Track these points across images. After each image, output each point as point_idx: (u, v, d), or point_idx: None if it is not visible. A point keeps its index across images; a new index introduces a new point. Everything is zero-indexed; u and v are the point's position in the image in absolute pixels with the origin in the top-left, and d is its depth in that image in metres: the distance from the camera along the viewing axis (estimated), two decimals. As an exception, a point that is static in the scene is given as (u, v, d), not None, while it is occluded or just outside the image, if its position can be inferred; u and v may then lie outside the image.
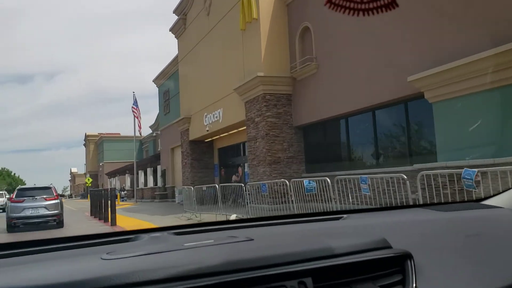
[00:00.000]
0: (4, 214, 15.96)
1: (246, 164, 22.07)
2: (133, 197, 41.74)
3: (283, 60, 17.09)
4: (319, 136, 16.40)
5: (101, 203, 18.94)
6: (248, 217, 10.82)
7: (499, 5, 9.47)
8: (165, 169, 34.83)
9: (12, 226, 15.06)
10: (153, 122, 50.00)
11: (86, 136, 79.75)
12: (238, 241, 1.30)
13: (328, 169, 15.02)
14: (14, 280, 1.02)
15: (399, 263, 1.27)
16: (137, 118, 36.62)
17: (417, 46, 11.27)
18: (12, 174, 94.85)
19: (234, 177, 20.94)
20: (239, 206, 13.66)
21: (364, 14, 1.20)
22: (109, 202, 16.34)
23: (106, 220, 16.98)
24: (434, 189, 7.86)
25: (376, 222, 1.71)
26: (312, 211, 9.80)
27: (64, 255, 1.28)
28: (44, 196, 15.62)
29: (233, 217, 11.85)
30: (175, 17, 26.98)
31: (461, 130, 10.24)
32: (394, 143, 13.11)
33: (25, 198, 15.40)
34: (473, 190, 6.64)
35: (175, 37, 27.72)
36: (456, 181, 7.56)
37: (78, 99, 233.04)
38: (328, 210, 8.77)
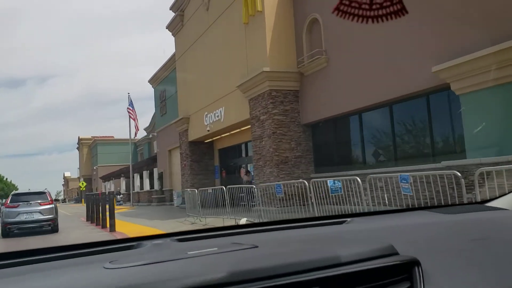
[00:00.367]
0: None
1: (249, 165, 21.20)
2: (129, 200, 40.76)
3: (290, 54, 16.21)
4: (329, 134, 15.52)
5: (98, 208, 17.98)
6: (261, 221, 9.92)
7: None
8: (162, 172, 33.85)
9: (6, 231, 14.97)
10: (147, 124, 49.03)
11: (80, 139, 78.50)
12: (242, 249, 1.27)
13: (340, 169, 14.16)
14: None
15: (407, 270, 1.23)
16: (134, 119, 35.57)
17: (443, 34, 10.42)
18: (4, 179, 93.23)
19: (245, 177, 19.89)
20: (249, 210, 12.72)
21: (373, 21, 1.19)
22: (108, 206, 15.36)
23: (104, 226, 16.03)
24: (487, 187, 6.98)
25: (380, 226, 1.69)
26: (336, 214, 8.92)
27: (66, 264, 1.26)
28: (39, 201, 15.55)
29: (243, 221, 10.96)
30: (170, 19, 26.07)
31: (493, 124, 9.41)
32: (414, 139, 12.24)
33: (20, 203, 15.31)
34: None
35: (172, 34, 26.76)
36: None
37: (71, 103, 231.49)
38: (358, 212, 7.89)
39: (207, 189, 14.83)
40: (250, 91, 16.88)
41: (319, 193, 9.46)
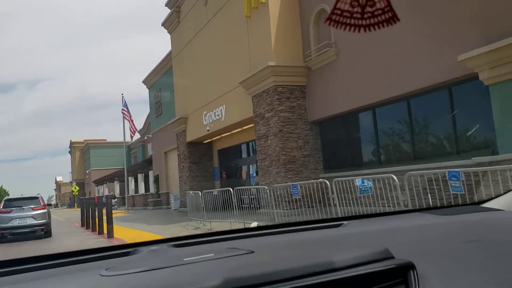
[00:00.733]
0: None
1: (251, 166, 20.34)
2: (124, 204, 39.72)
3: (296, 48, 15.38)
4: (339, 131, 14.69)
5: (94, 213, 17.03)
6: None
7: None
8: (158, 175, 32.87)
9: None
10: (141, 127, 47.99)
11: (72, 143, 77.14)
12: (238, 255, 1.28)
13: (352, 168, 13.35)
14: None
15: (402, 274, 1.21)
16: (129, 120, 34.47)
17: (470, 18, 9.62)
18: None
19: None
20: (260, 213, 11.81)
21: (365, 30, 1.20)
22: (105, 211, 14.41)
23: (101, 232, 15.09)
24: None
25: (376, 229, 1.68)
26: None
27: (62, 272, 1.24)
28: (32, 206, 15.59)
29: (253, 225, 10.08)
30: (165, 16, 25.19)
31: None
32: (436, 135, 11.43)
33: (13, 208, 15.38)
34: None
35: (168, 32, 25.85)
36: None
37: (62, 107, 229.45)
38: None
39: (212, 191, 13.93)
40: (253, 88, 16.02)
41: (343, 194, 8.59)
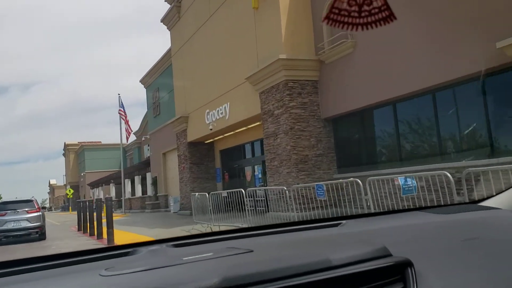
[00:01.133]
0: None
1: (256, 167, 19.43)
2: (120, 207, 38.66)
3: (307, 40, 14.50)
4: (354, 129, 13.81)
5: (92, 216, 16.05)
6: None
7: None
8: (156, 176, 31.84)
9: None
10: (137, 128, 46.99)
11: (66, 145, 75.75)
12: (237, 254, 1.28)
13: (369, 168, 12.47)
14: None
15: (400, 271, 1.22)
16: (125, 122, 33.40)
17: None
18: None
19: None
20: (277, 217, 10.87)
21: (362, 29, 1.20)
22: (105, 214, 13.43)
23: (100, 236, 14.11)
24: None
25: (374, 228, 1.68)
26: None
27: (61, 272, 1.23)
28: (26, 209, 15.64)
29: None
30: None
31: None
32: (466, 130, 10.56)
33: (7, 211, 15.46)
34: None
35: (167, 28, 24.92)
36: None
37: (56, 110, 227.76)
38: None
39: (221, 193, 12.98)
40: (261, 83, 15.12)
41: (380, 194, 7.67)
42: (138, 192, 37.02)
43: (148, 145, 38.03)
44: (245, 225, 11.08)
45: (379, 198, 7.65)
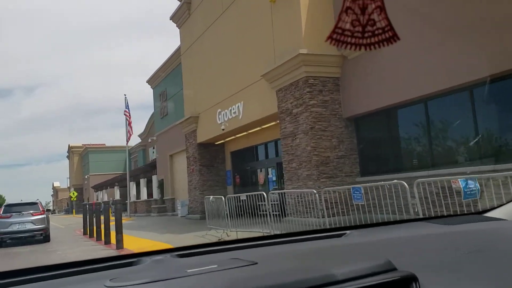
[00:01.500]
0: None
1: (270, 170, 18.60)
2: (125, 210, 37.88)
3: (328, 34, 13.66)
4: (379, 129, 12.97)
5: (99, 220, 15.25)
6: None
7: None
8: (162, 179, 31.04)
9: None
10: (142, 131, 46.26)
11: (70, 147, 75.10)
12: (241, 266, 1.27)
13: (396, 170, 11.64)
14: None
15: (405, 286, 1.18)
16: (129, 123, 32.63)
17: None
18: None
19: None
20: (305, 223, 10.01)
21: (366, 49, 1.19)
22: (114, 218, 12.63)
23: (108, 242, 13.29)
24: None
25: (379, 238, 1.66)
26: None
27: (67, 282, 1.23)
28: (31, 211, 15.90)
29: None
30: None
31: None
32: (506, 130, 9.71)
33: (12, 213, 15.72)
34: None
35: (177, 26, 24.15)
36: None
37: (59, 112, 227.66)
38: None
39: (238, 196, 12.13)
40: (279, 80, 14.30)
41: (431, 198, 6.82)
42: (144, 195, 36.24)
43: (154, 147, 37.28)
44: (266, 231, 10.24)
45: (430, 202, 6.77)
